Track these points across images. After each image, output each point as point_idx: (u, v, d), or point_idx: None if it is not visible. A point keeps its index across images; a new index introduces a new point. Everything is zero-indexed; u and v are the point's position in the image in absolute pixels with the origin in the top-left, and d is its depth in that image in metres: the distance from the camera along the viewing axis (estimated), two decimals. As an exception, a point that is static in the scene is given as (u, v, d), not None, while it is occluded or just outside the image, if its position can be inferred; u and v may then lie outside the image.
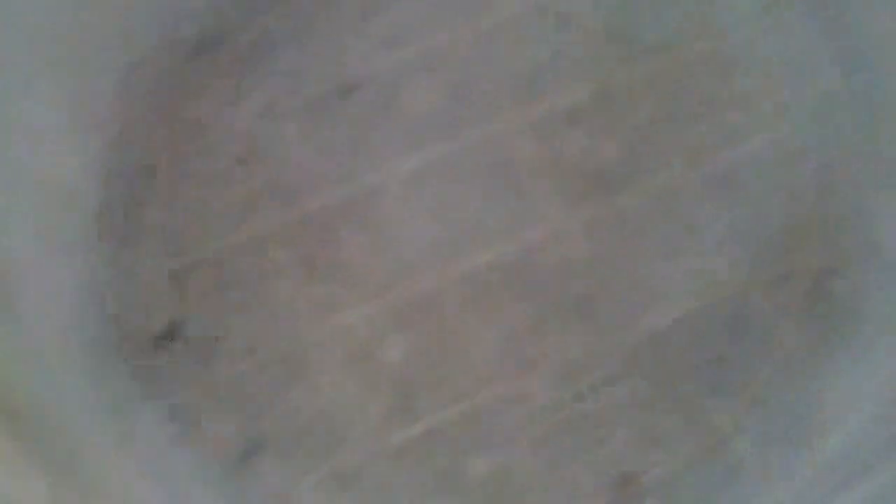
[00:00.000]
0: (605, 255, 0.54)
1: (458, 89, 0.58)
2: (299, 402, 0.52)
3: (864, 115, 0.55)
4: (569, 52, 0.59)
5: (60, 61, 0.53)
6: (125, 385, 0.52)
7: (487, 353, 0.52)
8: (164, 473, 0.50)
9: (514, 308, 0.53)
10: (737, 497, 0.49)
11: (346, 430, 0.51)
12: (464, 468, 0.50)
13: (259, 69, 0.59)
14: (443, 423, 0.51)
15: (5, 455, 0.41)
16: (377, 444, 0.51)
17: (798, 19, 0.58)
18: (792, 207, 0.55)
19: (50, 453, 0.44)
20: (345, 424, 0.52)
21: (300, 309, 0.54)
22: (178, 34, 0.58)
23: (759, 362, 0.51)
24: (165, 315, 0.54)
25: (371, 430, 0.51)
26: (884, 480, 0.42)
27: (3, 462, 0.41)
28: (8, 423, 0.43)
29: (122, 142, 0.56)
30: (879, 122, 0.54)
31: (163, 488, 0.49)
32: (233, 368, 0.53)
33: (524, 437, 0.51)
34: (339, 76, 0.59)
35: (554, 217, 0.55)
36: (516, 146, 0.57)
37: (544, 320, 0.53)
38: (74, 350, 0.50)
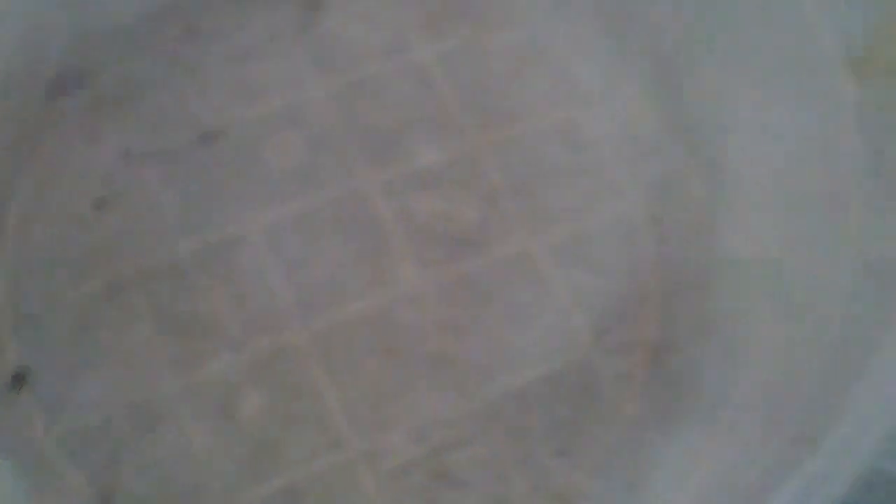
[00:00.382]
0: (459, 317, 0.56)
1: (318, 145, 0.59)
2: (152, 456, 0.52)
3: (706, 192, 0.59)
4: (425, 115, 0.60)
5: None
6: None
7: (345, 410, 0.53)
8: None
9: (372, 365, 0.54)
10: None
11: (201, 486, 0.51)
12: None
13: (120, 112, 0.58)
14: (300, 481, 0.51)
15: None
16: (231, 502, 0.51)
17: (642, 98, 0.61)
18: (633, 279, 0.58)
19: None
20: (199, 480, 0.51)
21: (154, 361, 0.53)
22: (40, 71, 0.57)
23: (602, 429, 0.54)
24: (13, 364, 0.52)
25: (226, 486, 0.51)
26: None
27: None
28: None
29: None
30: (719, 198, 0.58)
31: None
32: (83, 420, 0.52)
33: (379, 498, 0.52)
34: (202, 124, 0.58)
35: (408, 278, 0.56)
36: (373, 205, 0.58)
37: (402, 378, 0.54)
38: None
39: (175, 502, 0.51)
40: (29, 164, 0.56)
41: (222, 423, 0.52)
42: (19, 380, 0.52)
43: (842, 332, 0.48)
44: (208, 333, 0.54)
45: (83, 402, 0.52)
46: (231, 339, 0.54)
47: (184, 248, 0.56)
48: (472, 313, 0.56)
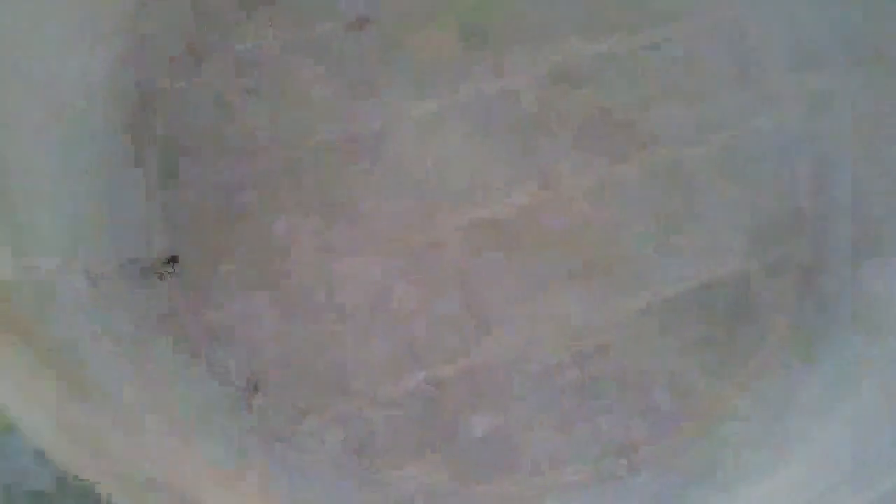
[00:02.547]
0: (607, 223, 0.55)
1: (470, 35, 0.57)
2: (296, 345, 0.51)
3: (871, 110, 0.56)
4: (580, 11, 0.58)
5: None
6: (125, 316, 0.50)
7: (490, 309, 0.52)
8: (171, 404, 0.49)
9: (518, 265, 0.53)
10: (729, 478, 0.50)
11: (348, 376, 0.51)
12: (464, 425, 0.50)
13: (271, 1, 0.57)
14: (444, 378, 0.51)
15: (13, 366, 0.40)
16: (378, 392, 0.51)
17: (816, 5, 0.58)
18: (788, 197, 0.56)
19: (59, 368, 0.43)
20: (346, 369, 0.51)
21: (301, 249, 0.53)
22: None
23: (752, 348, 0.52)
24: (162, 247, 0.52)
25: (373, 377, 0.51)
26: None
27: (11, 374, 0.39)
28: (17, 338, 0.41)
29: (129, 61, 0.54)
30: (881, 120, 0.56)
31: (169, 417, 0.48)
32: (230, 305, 0.52)
33: (523, 400, 0.51)
34: (352, 13, 0.57)
35: (560, 177, 0.55)
36: (524, 103, 0.56)
37: (546, 281, 0.53)
38: (75, 278, 0.48)
39: (320, 391, 0.51)
40: (183, 49, 0.55)
41: (366, 315, 0.52)
42: (169, 264, 0.51)
43: None
44: (354, 225, 0.53)
45: (229, 289, 0.52)
46: (377, 230, 0.53)
47: (331, 139, 0.55)
48: (624, 219, 0.55)
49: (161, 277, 0.51)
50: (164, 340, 0.50)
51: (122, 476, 0.32)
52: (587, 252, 0.54)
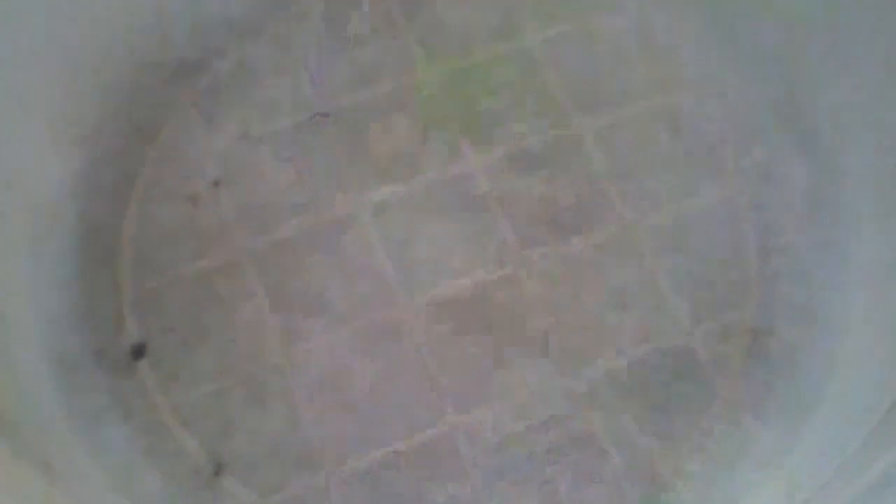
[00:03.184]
0: (560, 298, 0.57)
1: (424, 129, 0.61)
2: (263, 425, 0.54)
3: (809, 181, 0.59)
4: (528, 101, 0.62)
5: (49, 79, 0.54)
6: (96, 400, 0.53)
7: (447, 385, 0.55)
8: (135, 485, 0.51)
9: (474, 342, 0.56)
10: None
11: (310, 454, 0.53)
12: (424, 496, 0.53)
13: (236, 96, 0.60)
14: (403, 452, 0.54)
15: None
16: (338, 470, 0.53)
17: (747, 85, 0.61)
18: (733, 264, 0.58)
19: (33, 456, 0.46)
20: (308, 448, 0.54)
21: (265, 335, 0.56)
22: (160, 58, 0.60)
23: (700, 411, 0.55)
24: (134, 335, 0.56)
25: (332, 455, 0.53)
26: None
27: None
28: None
29: (101, 159, 0.58)
30: (826, 188, 0.58)
31: (134, 498, 0.50)
32: (197, 389, 0.55)
33: (478, 471, 0.53)
34: (313, 108, 0.61)
35: (510, 258, 0.58)
36: (477, 187, 0.60)
37: (502, 356, 0.56)
38: (49, 366, 0.51)
39: (283, 470, 0.53)
40: (151, 148, 0.59)
41: (329, 396, 0.55)
42: (139, 351, 0.55)
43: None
44: (317, 309, 0.56)
45: (197, 373, 0.55)
46: (339, 315, 0.56)
47: (294, 228, 0.58)
48: (573, 294, 0.57)
49: (129, 366, 0.54)
50: (131, 423, 0.53)
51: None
52: (540, 326, 0.56)
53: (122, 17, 0.58)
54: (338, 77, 0.61)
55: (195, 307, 0.56)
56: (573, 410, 0.55)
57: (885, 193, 0.58)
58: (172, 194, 0.58)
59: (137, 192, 0.58)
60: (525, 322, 0.57)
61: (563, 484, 0.54)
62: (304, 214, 0.58)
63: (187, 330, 0.55)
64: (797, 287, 0.58)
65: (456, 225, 0.59)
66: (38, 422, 0.49)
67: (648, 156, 0.61)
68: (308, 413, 0.54)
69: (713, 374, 0.56)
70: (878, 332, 0.55)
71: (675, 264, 0.58)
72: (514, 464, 0.54)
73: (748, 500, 0.53)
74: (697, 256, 0.58)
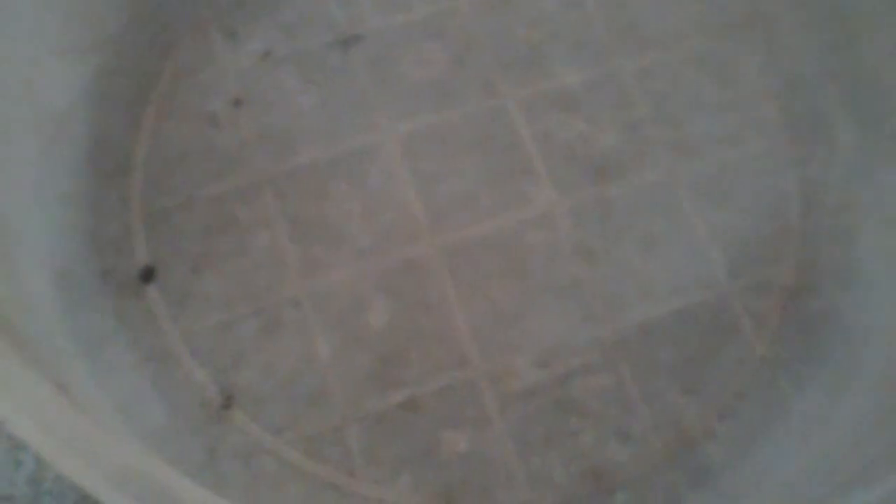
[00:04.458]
0: (593, 243, 0.54)
1: (459, 58, 0.58)
2: (275, 360, 0.51)
3: (856, 137, 0.56)
4: (569, 35, 0.58)
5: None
6: (102, 323, 0.50)
7: (471, 329, 0.52)
8: (140, 414, 0.48)
9: (501, 285, 0.53)
10: (705, 500, 0.50)
11: (323, 392, 0.51)
12: (439, 443, 0.50)
13: (259, 12, 0.57)
14: (422, 395, 0.51)
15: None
16: (354, 409, 0.50)
17: (799, 34, 0.58)
18: (775, 218, 0.55)
19: (40, 367, 0.42)
20: (321, 386, 0.51)
21: (282, 264, 0.53)
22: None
23: (732, 370, 0.52)
24: (143, 257, 0.52)
25: (348, 394, 0.51)
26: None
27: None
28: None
29: (115, 70, 0.54)
30: (871, 143, 0.55)
31: (138, 429, 0.47)
32: (208, 318, 0.52)
33: (501, 419, 0.51)
34: (342, 30, 0.57)
35: (544, 200, 0.55)
36: (511, 123, 0.56)
37: (530, 301, 0.53)
38: (54, 283, 0.48)
39: (296, 406, 0.50)
40: (168, 61, 0.55)
41: (346, 332, 0.52)
42: (148, 273, 0.51)
43: None
44: (337, 241, 0.53)
45: (209, 301, 0.52)
46: (359, 247, 0.53)
47: (318, 154, 0.55)
48: (607, 240, 0.54)
49: (138, 289, 0.51)
50: (137, 349, 0.50)
51: (99, 466, 0.32)
52: (568, 273, 0.54)
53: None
54: (369, 1, 0.58)
55: (209, 231, 0.53)
56: (602, 360, 0.52)
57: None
58: (189, 112, 0.55)
59: (152, 107, 0.55)
60: (556, 267, 0.54)
61: (588, 436, 0.51)
62: (328, 140, 0.55)
63: (200, 255, 0.52)
64: (840, 246, 0.55)
65: (488, 161, 0.55)
66: (49, 341, 0.45)
67: (691, 101, 0.58)
68: (324, 348, 0.51)
69: (749, 331, 0.53)
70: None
71: (714, 215, 0.55)
72: (538, 413, 0.51)
73: (781, 469, 0.51)
74: (738, 208, 0.55)
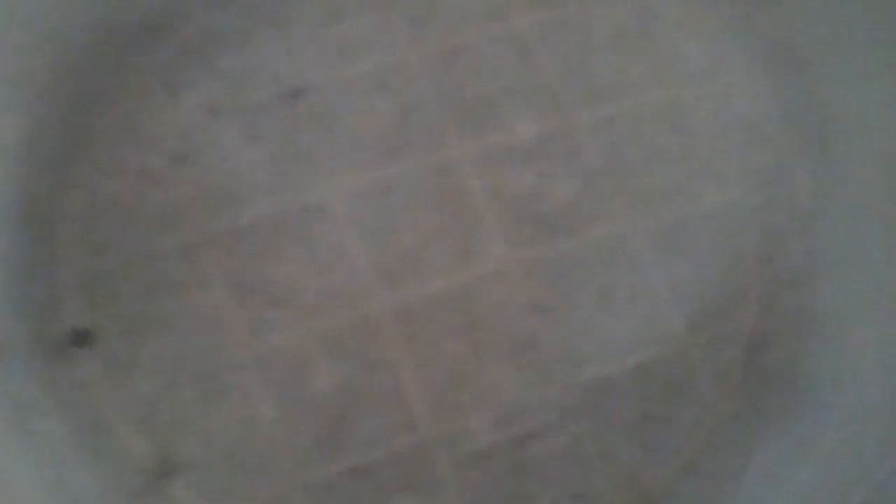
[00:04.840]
0: (548, 299, 0.53)
1: (408, 112, 0.56)
2: (218, 426, 0.49)
3: (812, 186, 0.55)
4: (522, 87, 0.57)
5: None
6: (29, 390, 0.48)
7: (423, 390, 0.50)
8: (70, 489, 0.46)
9: (454, 345, 0.51)
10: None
11: (268, 460, 0.48)
12: (391, 510, 0.48)
13: (202, 65, 0.55)
14: (372, 460, 0.48)
15: None
16: (300, 477, 0.48)
17: (752, 82, 0.57)
18: (734, 269, 0.54)
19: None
20: (266, 454, 0.48)
21: (224, 327, 0.51)
22: (118, 20, 0.54)
23: (693, 426, 0.50)
24: (77, 319, 0.50)
25: (294, 461, 0.48)
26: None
27: None
28: None
29: (47, 125, 0.52)
30: (829, 190, 0.54)
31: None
32: (147, 384, 0.49)
33: (455, 484, 0.48)
34: (286, 82, 0.56)
35: (496, 255, 0.53)
36: (462, 178, 0.55)
37: (484, 359, 0.51)
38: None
39: (240, 475, 0.48)
40: (106, 116, 0.53)
41: (292, 396, 0.50)
42: (82, 337, 0.49)
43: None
44: (282, 302, 0.51)
45: (148, 366, 0.49)
46: (305, 308, 0.51)
47: (261, 211, 0.53)
48: (562, 296, 0.53)
49: (71, 354, 0.49)
50: (67, 417, 0.47)
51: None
52: (524, 329, 0.52)
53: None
54: (314, 51, 0.56)
55: (147, 293, 0.50)
56: (559, 421, 0.50)
57: (892, 201, 0.54)
58: (126, 168, 0.52)
59: (86, 163, 0.52)
60: (511, 324, 0.52)
61: (544, 500, 0.49)
62: (273, 198, 0.53)
63: (137, 317, 0.50)
64: (801, 295, 0.54)
65: (439, 218, 0.54)
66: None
67: (647, 153, 0.56)
68: (268, 414, 0.49)
69: (709, 386, 0.52)
70: (882, 342, 0.51)
71: (672, 269, 0.54)
72: (493, 477, 0.49)
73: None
74: (696, 261, 0.54)
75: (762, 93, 0.57)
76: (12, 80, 0.51)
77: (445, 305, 0.52)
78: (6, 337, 0.48)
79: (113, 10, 0.54)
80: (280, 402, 0.49)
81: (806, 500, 0.48)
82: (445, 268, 0.52)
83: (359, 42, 0.56)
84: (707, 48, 0.58)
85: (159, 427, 0.48)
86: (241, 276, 0.51)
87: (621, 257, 0.54)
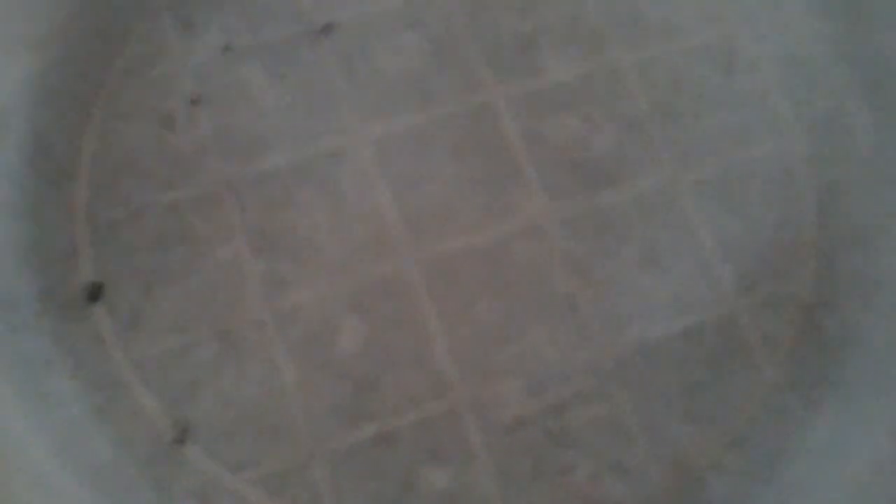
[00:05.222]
0: (589, 256, 0.49)
1: (439, 50, 0.52)
2: (237, 388, 0.46)
3: (877, 135, 0.51)
4: (562, 26, 0.53)
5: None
6: (42, 348, 0.45)
7: (453, 353, 0.47)
8: (82, 451, 0.43)
9: (486, 304, 0.48)
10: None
11: (288, 425, 0.46)
12: (417, 479, 0.45)
13: (220, 1, 0.51)
14: (399, 427, 0.46)
15: None
16: (322, 444, 0.45)
17: (810, 18, 0.53)
18: (788, 227, 0.50)
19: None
20: (286, 418, 0.46)
21: (243, 282, 0.48)
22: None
23: (742, 395, 0.47)
24: (90, 274, 0.47)
25: (316, 427, 0.46)
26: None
27: None
28: None
29: (60, 64, 0.49)
30: (893, 142, 0.50)
31: (79, 467, 0.42)
32: (161, 343, 0.46)
33: (486, 453, 0.45)
34: (311, 20, 0.52)
35: (533, 208, 0.50)
36: (497, 123, 0.51)
37: (518, 321, 0.48)
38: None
39: (258, 440, 0.45)
40: (119, 56, 0.50)
41: (316, 357, 0.47)
42: (95, 292, 0.46)
43: None
44: (305, 255, 0.48)
45: (163, 322, 0.47)
46: (330, 263, 0.48)
47: (283, 157, 0.49)
48: (604, 253, 0.49)
49: (83, 309, 0.46)
50: (81, 377, 0.45)
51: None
52: (561, 289, 0.48)
53: None
54: (341, -15, 0.52)
55: (163, 245, 0.47)
56: (598, 387, 0.47)
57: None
58: (141, 111, 0.49)
59: (100, 105, 0.49)
60: (547, 283, 0.49)
61: (582, 472, 0.46)
62: (296, 143, 0.50)
63: (152, 271, 0.47)
64: (860, 257, 0.50)
65: (472, 166, 0.50)
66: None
67: (696, 97, 0.52)
68: (290, 376, 0.46)
69: (760, 353, 0.48)
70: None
71: (721, 224, 0.50)
72: (527, 447, 0.46)
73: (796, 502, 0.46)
74: (747, 216, 0.50)
75: (821, 33, 0.53)
76: (25, 18, 0.48)
77: (478, 261, 0.49)
78: (18, 291, 0.45)
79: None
80: (301, 363, 0.46)
81: (866, 480, 0.45)
82: (477, 221, 0.49)
83: (388, -24, 0.52)
84: (763, -17, 0.54)
85: (174, 388, 0.46)
86: (261, 227, 0.48)
87: (667, 211, 0.50)
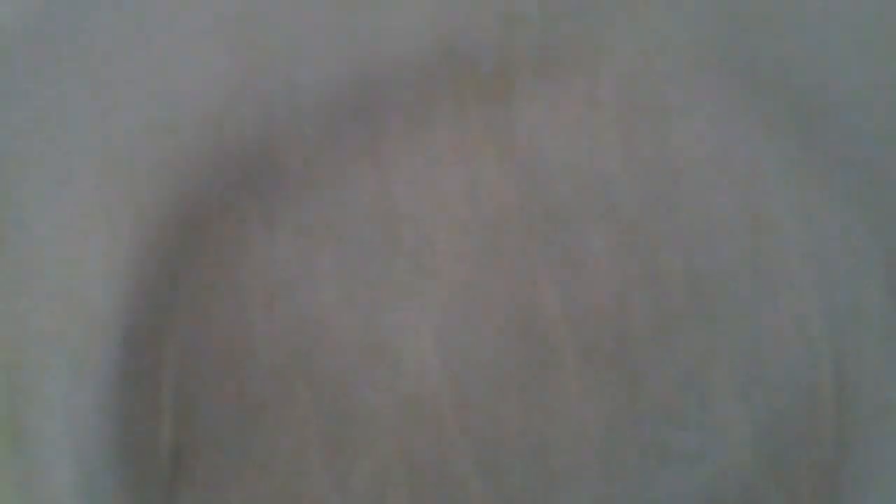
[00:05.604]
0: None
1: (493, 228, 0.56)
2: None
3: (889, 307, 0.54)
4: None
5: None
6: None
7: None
8: None
9: (531, 494, 0.53)
10: None
11: None
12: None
13: (296, 193, 0.57)
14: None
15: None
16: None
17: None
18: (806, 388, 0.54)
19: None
20: None
21: (312, 460, 0.53)
22: (223, 151, 0.55)
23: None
24: (170, 446, 0.53)
25: None
26: None
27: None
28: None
29: (152, 258, 0.54)
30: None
31: None
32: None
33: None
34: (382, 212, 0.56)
35: (575, 412, 0.54)
36: (542, 310, 0.55)
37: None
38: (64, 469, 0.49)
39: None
40: (206, 245, 0.55)
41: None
42: (175, 463, 0.52)
43: None
44: (366, 431, 0.53)
45: (237, 498, 0.52)
46: (389, 441, 0.53)
47: (350, 341, 0.54)
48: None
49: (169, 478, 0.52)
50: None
51: None
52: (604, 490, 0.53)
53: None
54: (405, 174, 0.57)
55: (241, 425, 0.53)
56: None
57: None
58: (225, 304, 0.54)
59: (184, 300, 0.54)
60: (585, 484, 0.53)
61: None
62: (360, 327, 0.55)
63: (230, 450, 0.52)
64: (878, 418, 0.53)
65: (517, 350, 0.55)
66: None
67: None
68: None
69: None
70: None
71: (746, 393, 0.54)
72: None
73: None
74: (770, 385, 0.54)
75: (848, 226, 0.57)
76: (115, 204, 0.53)
77: (521, 450, 0.53)
78: (105, 479, 0.51)
79: (217, 144, 0.55)
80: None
81: None
82: (521, 413, 0.54)
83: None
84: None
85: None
86: (331, 408, 0.53)
87: (700, 388, 0.54)
